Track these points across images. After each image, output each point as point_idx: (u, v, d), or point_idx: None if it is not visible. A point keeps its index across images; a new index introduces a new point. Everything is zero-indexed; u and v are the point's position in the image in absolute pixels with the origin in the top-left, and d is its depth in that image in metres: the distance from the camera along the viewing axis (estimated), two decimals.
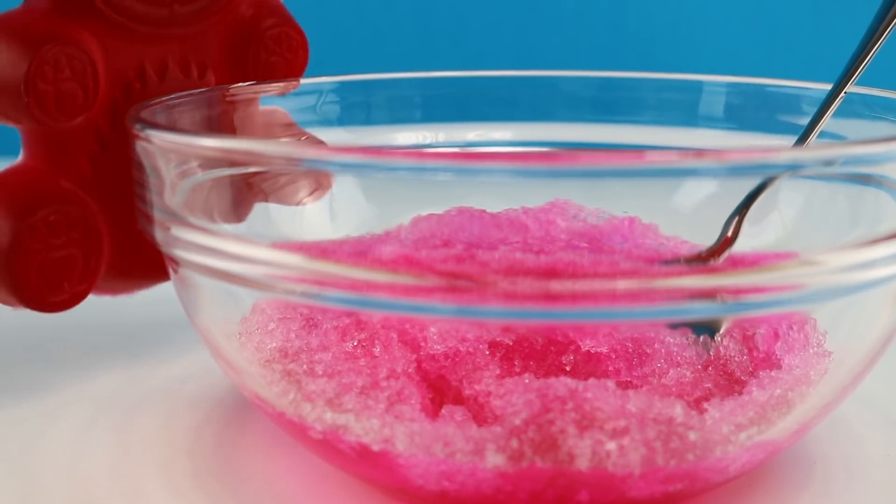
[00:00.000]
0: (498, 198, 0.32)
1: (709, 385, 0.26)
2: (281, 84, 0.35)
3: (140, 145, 0.26)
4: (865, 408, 0.31)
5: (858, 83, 0.30)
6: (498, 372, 0.26)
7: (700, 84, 0.37)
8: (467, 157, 0.21)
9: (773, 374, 0.26)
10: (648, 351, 0.27)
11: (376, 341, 0.26)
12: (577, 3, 0.77)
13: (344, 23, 0.76)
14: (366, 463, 0.24)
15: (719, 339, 0.28)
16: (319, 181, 0.34)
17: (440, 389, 0.26)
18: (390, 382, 0.25)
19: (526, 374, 0.25)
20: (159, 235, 0.26)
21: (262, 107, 0.35)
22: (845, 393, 0.26)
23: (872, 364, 0.26)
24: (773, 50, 0.76)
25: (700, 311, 0.22)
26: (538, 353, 0.27)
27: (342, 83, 0.37)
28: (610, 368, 0.27)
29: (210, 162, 0.27)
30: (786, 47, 0.76)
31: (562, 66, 0.51)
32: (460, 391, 0.26)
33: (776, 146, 0.34)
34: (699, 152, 0.21)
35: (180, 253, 0.25)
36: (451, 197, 0.32)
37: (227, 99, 0.33)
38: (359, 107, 0.38)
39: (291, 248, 0.23)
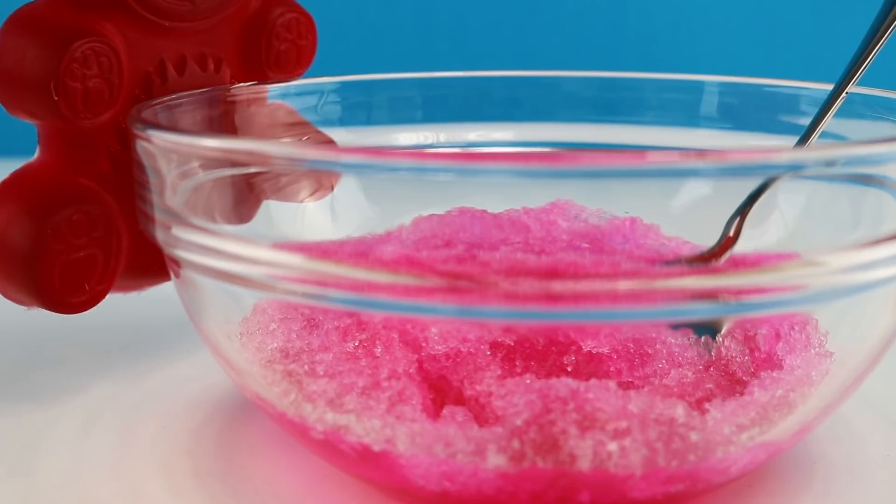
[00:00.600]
0: (499, 198, 0.32)
1: (710, 386, 0.26)
2: (281, 84, 0.35)
3: (141, 145, 0.26)
4: (866, 408, 0.31)
5: (860, 83, 0.30)
6: (499, 372, 0.26)
7: (700, 84, 0.37)
8: (468, 157, 0.21)
9: (774, 374, 0.26)
10: (650, 351, 0.27)
11: (377, 342, 0.26)
12: (577, 3, 0.77)
13: (344, 23, 0.76)
14: (367, 463, 0.24)
15: (721, 339, 0.28)
16: (321, 181, 0.34)
17: (441, 390, 0.26)
18: (391, 383, 0.25)
19: (527, 375, 0.25)
20: (160, 236, 0.26)
21: (267, 102, 0.35)
22: (847, 393, 0.26)
23: (874, 364, 0.26)
24: (773, 50, 0.76)
25: (701, 311, 0.22)
26: (539, 354, 0.27)
27: (343, 83, 0.37)
28: (611, 369, 0.27)
29: (211, 162, 0.27)
30: (786, 47, 0.76)
31: (562, 66, 0.51)
32: (461, 392, 0.26)
33: (777, 146, 0.34)
34: (700, 153, 0.21)
35: (181, 253, 0.25)
36: (453, 197, 0.32)
37: (228, 99, 0.33)
38: (360, 107, 0.37)
39: (292, 248, 0.23)
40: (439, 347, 0.26)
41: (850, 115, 0.31)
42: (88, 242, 0.30)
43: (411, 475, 0.24)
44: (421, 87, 0.38)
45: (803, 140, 0.31)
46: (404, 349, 0.26)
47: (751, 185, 0.29)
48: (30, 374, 0.35)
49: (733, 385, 0.26)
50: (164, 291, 0.34)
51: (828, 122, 0.30)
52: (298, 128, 0.35)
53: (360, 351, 0.26)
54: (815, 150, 0.27)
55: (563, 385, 0.23)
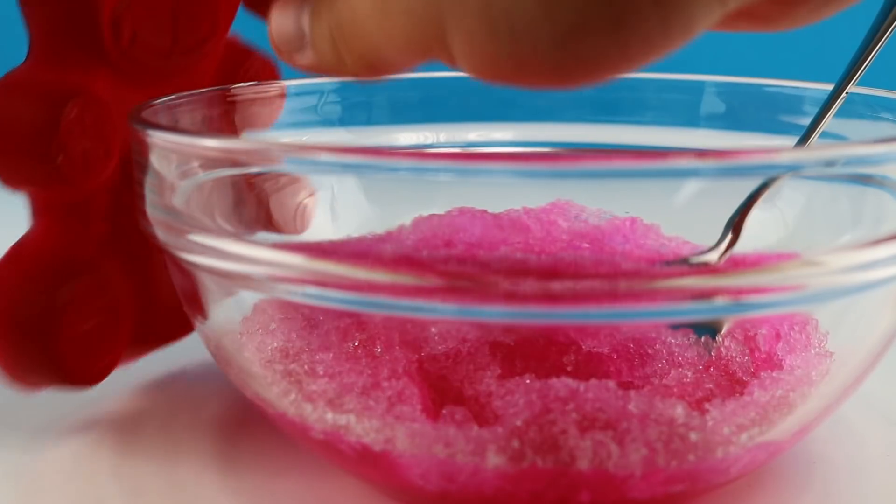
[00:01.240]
0: (499, 198, 0.32)
1: (710, 386, 0.26)
2: (281, 84, 0.35)
3: (141, 145, 0.26)
4: (866, 408, 0.31)
5: (860, 83, 0.30)
6: (499, 372, 0.26)
7: (700, 84, 0.37)
8: (468, 157, 0.21)
9: (774, 374, 0.26)
10: (650, 351, 0.27)
11: (377, 341, 0.26)
12: None
13: None
14: (367, 463, 0.24)
15: (721, 339, 0.28)
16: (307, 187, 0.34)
17: (441, 390, 0.26)
18: (391, 383, 0.25)
19: (527, 375, 0.25)
20: (160, 235, 0.26)
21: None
22: (846, 393, 0.26)
23: (874, 364, 0.26)
24: (773, 50, 0.76)
25: (701, 311, 0.22)
26: (539, 354, 0.27)
27: (343, 83, 0.37)
28: (611, 369, 0.27)
29: (211, 162, 0.27)
30: (786, 47, 0.76)
31: None
32: (461, 391, 0.26)
33: (777, 146, 0.34)
34: (700, 153, 0.21)
35: (182, 253, 0.25)
36: (453, 197, 0.32)
37: (228, 99, 0.33)
38: (360, 107, 0.37)
39: (293, 248, 0.23)
40: (439, 347, 0.26)
41: (850, 115, 0.31)
42: (97, 311, 0.29)
43: (411, 475, 0.24)
44: (421, 87, 0.38)
45: (803, 140, 0.31)
46: (404, 349, 0.26)
47: (751, 185, 0.29)
48: None
49: (733, 385, 0.26)
50: None
51: (828, 122, 0.30)
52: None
53: (359, 351, 0.26)
54: (815, 150, 0.27)
55: (563, 385, 0.23)
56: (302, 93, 0.36)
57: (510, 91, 0.40)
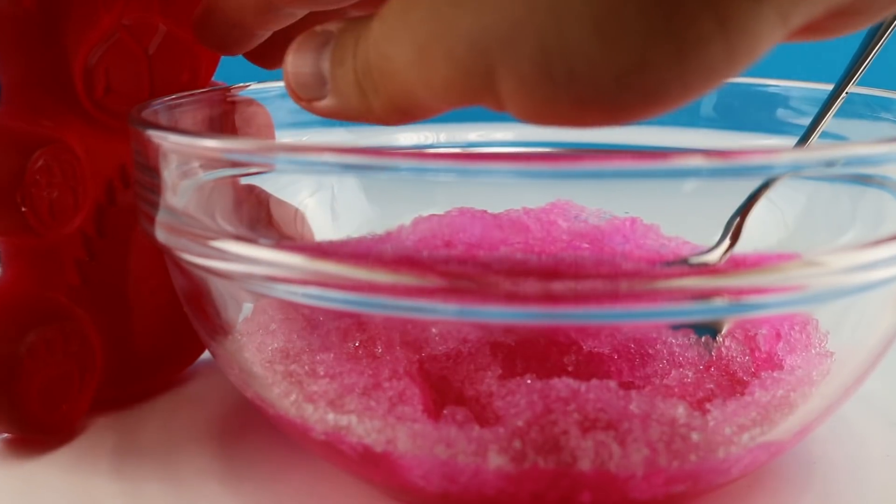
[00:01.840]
0: (499, 198, 0.32)
1: (711, 386, 0.26)
2: (281, 84, 0.35)
3: (142, 146, 0.26)
4: (866, 408, 0.31)
5: (860, 83, 0.30)
6: (500, 373, 0.26)
7: None
8: (469, 157, 0.21)
9: (775, 374, 0.26)
10: (650, 352, 0.27)
11: (378, 342, 0.26)
12: None
13: None
14: (368, 464, 0.24)
15: (721, 339, 0.28)
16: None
17: (442, 390, 0.26)
18: (392, 383, 0.25)
19: (528, 375, 0.25)
20: (161, 236, 0.26)
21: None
22: (847, 393, 0.26)
23: (874, 365, 0.26)
24: (773, 50, 0.76)
25: (702, 312, 0.22)
26: (540, 354, 0.27)
27: None
28: (612, 369, 0.27)
29: (212, 162, 0.27)
30: (786, 47, 0.76)
31: None
32: (462, 392, 0.26)
33: (777, 146, 0.34)
34: (701, 153, 0.21)
35: (182, 253, 0.25)
36: (453, 197, 0.32)
37: (228, 99, 0.33)
38: None
39: (293, 248, 0.23)
40: (440, 348, 0.26)
41: (850, 115, 0.31)
42: (64, 359, 0.29)
43: (412, 476, 0.24)
44: None
45: (803, 140, 0.31)
46: (405, 349, 0.26)
47: (751, 185, 0.29)
48: None
49: (734, 385, 0.26)
50: None
51: (828, 122, 0.30)
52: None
53: (360, 351, 0.26)
54: (815, 150, 0.27)
55: (564, 385, 0.23)
56: None
57: None
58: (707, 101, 0.36)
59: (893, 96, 0.31)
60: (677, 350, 0.27)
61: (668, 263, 0.29)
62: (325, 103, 0.23)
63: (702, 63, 0.18)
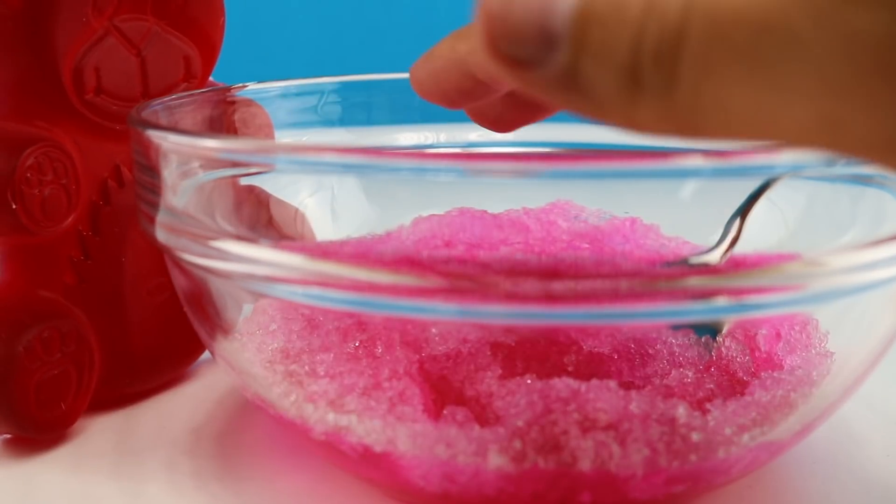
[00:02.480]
0: (499, 198, 0.32)
1: (711, 386, 0.26)
2: (282, 84, 0.35)
3: (142, 146, 0.26)
4: (866, 408, 0.31)
5: None
6: (500, 373, 0.26)
7: None
8: (469, 157, 0.21)
9: (775, 374, 0.26)
10: (651, 352, 0.27)
11: (378, 342, 0.26)
12: None
13: (344, 23, 0.76)
14: (368, 464, 0.24)
15: (721, 339, 0.28)
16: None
17: (442, 390, 0.26)
18: (392, 383, 0.25)
19: (528, 375, 0.25)
20: (161, 236, 0.26)
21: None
22: (847, 393, 0.26)
23: (874, 365, 0.26)
24: None
25: (702, 312, 0.22)
26: (540, 354, 0.27)
27: (343, 83, 0.37)
28: (612, 369, 0.27)
29: (211, 162, 0.27)
30: None
31: None
32: (462, 392, 0.26)
33: (777, 146, 0.34)
34: (701, 153, 0.21)
35: (182, 253, 0.25)
36: (453, 197, 0.32)
37: (228, 99, 0.33)
38: (360, 107, 0.37)
39: (293, 248, 0.23)
40: (440, 348, 0.26)
41: None
42: (61, 359, 0.29)
43: (412, 476, 0.24)
44: None
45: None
46: (405, 349, 0.26)
47: (751, 185, 0.29)
48: None
49: (734, 385, 0.26)
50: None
51: None
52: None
53: (360, 351, 0.26)
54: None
55: (564, 385, 0.23)
56: (302, 93, 0.36)
57: None
58: None
59: None
60: (677, 350, 0.27)
61: (669, 263, 0.29)
62: (544, 76, 0.16)
63: None
